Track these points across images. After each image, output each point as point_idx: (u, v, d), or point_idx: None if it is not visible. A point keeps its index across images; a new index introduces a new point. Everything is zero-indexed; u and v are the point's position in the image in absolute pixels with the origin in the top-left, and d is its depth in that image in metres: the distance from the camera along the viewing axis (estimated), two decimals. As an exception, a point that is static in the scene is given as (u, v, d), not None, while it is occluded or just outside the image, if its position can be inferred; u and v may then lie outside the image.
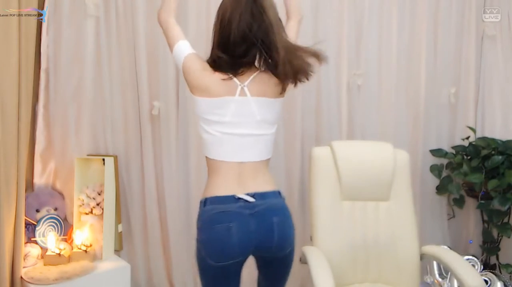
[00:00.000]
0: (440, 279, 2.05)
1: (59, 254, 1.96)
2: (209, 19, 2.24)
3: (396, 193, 1.93)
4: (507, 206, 2.30)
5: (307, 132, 2.45)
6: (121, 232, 2.26)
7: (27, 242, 1.99)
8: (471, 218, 2.67)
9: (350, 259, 1.85)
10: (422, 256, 1.87)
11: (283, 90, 1.42)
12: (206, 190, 1.41)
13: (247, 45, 1.34)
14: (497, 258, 2.51)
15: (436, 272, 2.08)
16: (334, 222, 1.86)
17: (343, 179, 1.91)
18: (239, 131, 1.38)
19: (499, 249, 2.49)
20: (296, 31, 1.57)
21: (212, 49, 1.41)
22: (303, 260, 1.74)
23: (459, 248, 2.64)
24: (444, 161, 2.57)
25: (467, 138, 2.55)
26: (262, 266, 1.47)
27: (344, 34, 2.43)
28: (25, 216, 1.96)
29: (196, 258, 1.39)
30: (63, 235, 2.10)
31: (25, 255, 1.95)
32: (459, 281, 1.60)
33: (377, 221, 1.90)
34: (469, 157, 2.47)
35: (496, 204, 2.32)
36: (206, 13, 2.26)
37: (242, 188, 1.37)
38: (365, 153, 1.98)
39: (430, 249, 1.87)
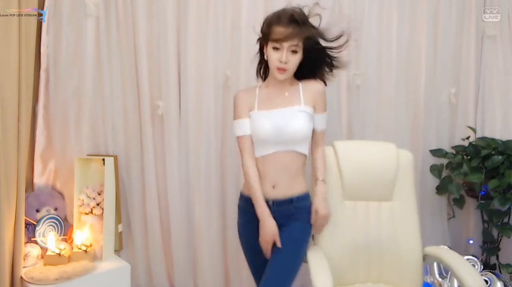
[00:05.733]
0: (440, 279, 2.05)
1: (59, 254, 1.96)
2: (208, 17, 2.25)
3: (399, 193, 1.92)
4: (507, 206, 2.30)
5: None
6: (121, 232, 2.26)
7: (27, 242, 1.99)
8: (471, 218, 2.67)
9: (352, 259, 1.84)
10: (425, 257, 1.87)
11: None
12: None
13: None
14: (497, 258, 2.51)
15: (436, 272, 2.07)
16: (336, 222, 1.85)
17: (345, 179, 1.90)
18: None
19: (499, 249, 2.49)
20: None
21: None
22: (304, 260, 1.74)
23: (459, 248, 2.64)
24: (444, 161, 2.57)
25: (467, 138, 2.54)
26: None
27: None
28: (25, 216, 1.96)
29: None
30: (63, 235, 2.10)
31: (25, 255, 1.95)
32: (459, 281, 1.59)
33: (380, 221, 1.90)
34: (469, 157, 2.47)
35: (496, 204, 2.32)
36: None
37: None
38: (368, 153, 1.97)
39: (432, 249, 1.86)
